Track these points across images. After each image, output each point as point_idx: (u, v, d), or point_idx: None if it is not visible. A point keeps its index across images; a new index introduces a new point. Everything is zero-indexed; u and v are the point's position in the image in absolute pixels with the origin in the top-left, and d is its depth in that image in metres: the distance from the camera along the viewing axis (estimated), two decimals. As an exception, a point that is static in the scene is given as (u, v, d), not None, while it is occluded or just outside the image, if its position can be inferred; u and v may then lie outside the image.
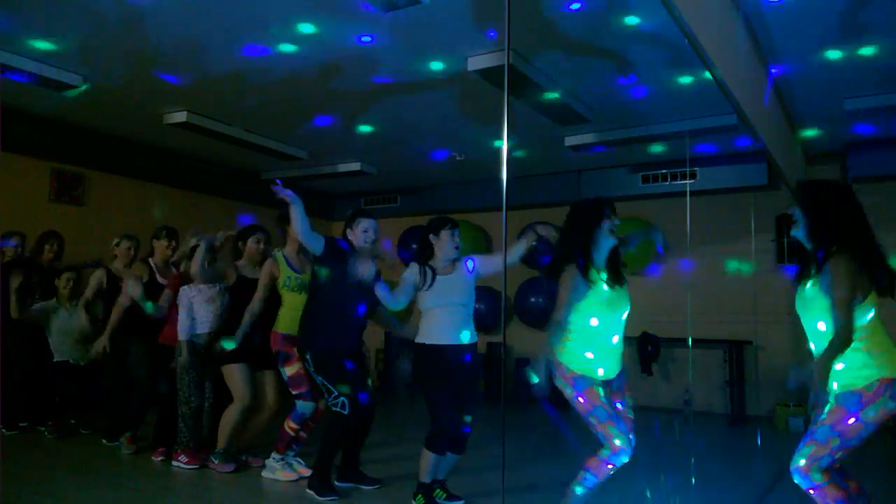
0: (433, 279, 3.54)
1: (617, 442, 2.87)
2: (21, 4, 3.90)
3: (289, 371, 4.06)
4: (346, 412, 3.65)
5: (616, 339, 3.04)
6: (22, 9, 3.96)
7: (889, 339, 2.51)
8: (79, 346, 5.19)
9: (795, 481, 2.51)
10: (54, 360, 5.18)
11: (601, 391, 2.94)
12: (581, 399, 2.94)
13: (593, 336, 2.97)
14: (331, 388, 3.69)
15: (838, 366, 2.45)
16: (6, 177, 5.91)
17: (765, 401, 6.86)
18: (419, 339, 3.55)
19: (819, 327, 2.56)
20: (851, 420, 2.42)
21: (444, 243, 3.58)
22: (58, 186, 6.57)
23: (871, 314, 2.49)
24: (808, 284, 2.59)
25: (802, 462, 2.46)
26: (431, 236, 3.62)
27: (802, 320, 2.65)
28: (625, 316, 3.06)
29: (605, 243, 3.04)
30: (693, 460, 4.76)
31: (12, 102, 5.56)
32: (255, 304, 4.15)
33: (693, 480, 4.27)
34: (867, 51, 4.29)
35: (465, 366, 3.56)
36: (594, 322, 2.96)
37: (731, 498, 3.99)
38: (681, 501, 3.91)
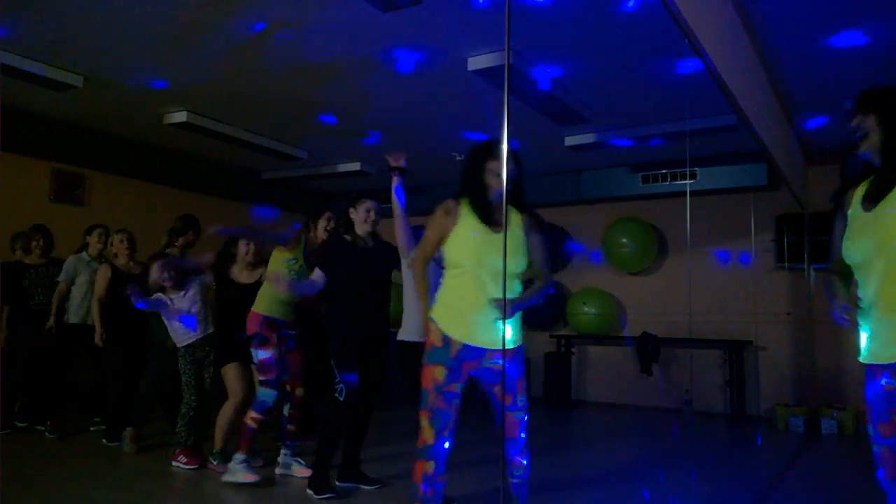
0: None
1: (426, 436, 2.43)
2: (20, 4, 3.90)
3: (262, 354, 4.06)
4: (341, 398, 3.70)
5: (490, 291, 2.43)
6: (21, 8, 3.96)
7: None
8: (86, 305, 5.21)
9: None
10: (70, 322, 5.22)
11: (444, 372, 2.41)
12: (423, 371, 2.46)
13: (460, 284, 2.46)
14: (335, 373, 3.75)
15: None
16: (6, 177, 5.91)
17: (765, 401, 6.86)
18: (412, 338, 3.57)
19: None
20: None
21: None
22: (58, 186, 6.58)
23: None
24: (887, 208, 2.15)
25: None
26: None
27: (865, 255, 2.21)
28: (519, 272, 2.57)
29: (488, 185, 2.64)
30: (693, 460, 4.76)
31: (12, 102, 5.56)
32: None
33: (693, 480, 4.27)
34: (867, 49, 4.29)
35: None
36: (463, 259, 2.50)
37: (731, 498, 3.99)
38: (681, 501, 3.91)
